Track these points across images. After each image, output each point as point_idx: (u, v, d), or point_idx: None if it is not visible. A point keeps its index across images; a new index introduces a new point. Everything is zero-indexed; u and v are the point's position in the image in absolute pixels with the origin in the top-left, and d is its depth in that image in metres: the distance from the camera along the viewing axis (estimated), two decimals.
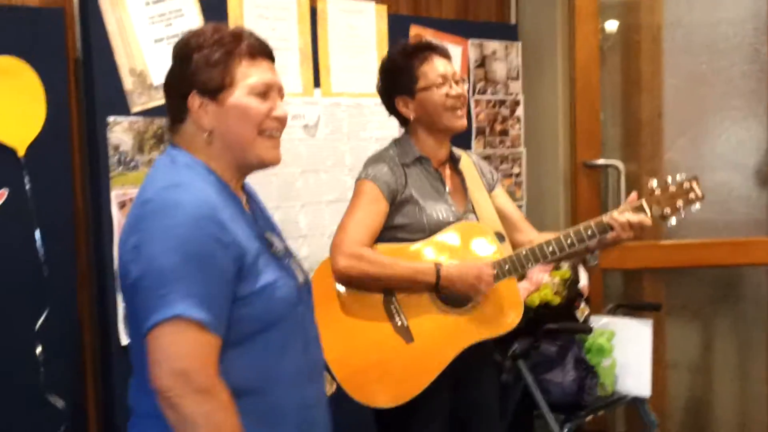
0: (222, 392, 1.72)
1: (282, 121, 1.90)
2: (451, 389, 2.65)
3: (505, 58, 3.95)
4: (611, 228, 2.60)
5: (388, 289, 2.58)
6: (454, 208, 2.66)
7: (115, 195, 2.81)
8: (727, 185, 4.05)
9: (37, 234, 2.71)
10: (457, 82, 2.66)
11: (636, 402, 3.71)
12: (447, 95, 2.62)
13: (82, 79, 2.85)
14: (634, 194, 2.66)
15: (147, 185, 1.83)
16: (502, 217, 2.78)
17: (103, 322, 2.85)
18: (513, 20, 4.10)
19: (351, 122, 3.39)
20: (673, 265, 4.03)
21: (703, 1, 4.08)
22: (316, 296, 2.47)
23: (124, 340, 2.79)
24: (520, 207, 3.97)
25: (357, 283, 2.54)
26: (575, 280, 3.47)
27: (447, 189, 2.69)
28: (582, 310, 3.56)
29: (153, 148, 2.87)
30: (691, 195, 2.63)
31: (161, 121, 2.87)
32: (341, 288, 2.59)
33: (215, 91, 1.84)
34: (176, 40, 2.85)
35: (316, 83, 3.29)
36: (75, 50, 2.86)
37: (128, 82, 2.83)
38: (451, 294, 2.57)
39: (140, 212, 1.76)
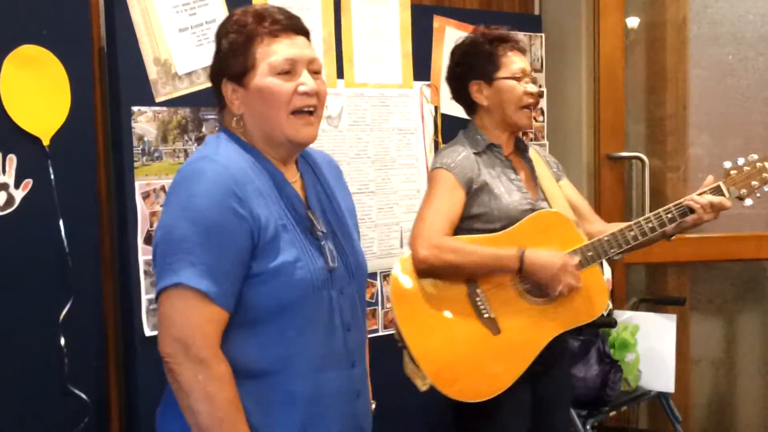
0: (220, 364, 1.74)
1: (312, 95, 1.87)
2: (530, 380, 2.61)
3: (529, 49, 3.90)
4: (691, 210, 2.59)
5: (473, 281, 2.55)
6: (528, 196, 2.64)
7: (139, 185, 2.79)
8: None
9: (61, 224, 2.69)
10: (533, 81, 2.65)
11: (659, 397, 3.69)
12: (525, 92, 2.61)
13: (107, 69, 2.83)
14: (710, 177, 2.66)
15: (189, 158, 1.90)
16: (572, 207, 2.76)
17: (127, 312, 2.83)
18: (537, 11, 4.07)
19: (374, 113, 3.36)
20: (698, 259, 3.99)
21: None
22: (399, 293, 2.52)
23: (148, 331, 2.78)
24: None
25: (439, 272, 2.51)
26: None
27: (518, 177, 2.66)
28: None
29: (177, 139, 2.85)
30: (765, 174, 2.65)
31: (185, 111, 2.86)
32: (425, 282, 2.55)
33: (240, 75, 1.85)
34: (200, 29, 2.89)
35: (339, 74, 3.26)
36: (99, 39, 2.84)
37: (152, 72, 2.81)
38: (532, 282, 2.54)
39: (172, 182, 1.83)
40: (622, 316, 3.67)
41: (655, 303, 3.86)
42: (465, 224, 2.58)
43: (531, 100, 2.64)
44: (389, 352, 3.09)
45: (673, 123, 4.06)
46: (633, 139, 4.04)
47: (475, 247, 2.52)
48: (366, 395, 2.02)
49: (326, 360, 1.88)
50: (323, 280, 1.87)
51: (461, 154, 2.60)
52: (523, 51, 2.69)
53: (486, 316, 2.54)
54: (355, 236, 2.05)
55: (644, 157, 3.86)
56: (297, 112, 1.86)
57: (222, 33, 1.89)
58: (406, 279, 2.55)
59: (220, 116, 1.96)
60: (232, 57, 1.85)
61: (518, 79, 2.62)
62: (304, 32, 1.91)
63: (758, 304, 4.15)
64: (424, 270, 2.52)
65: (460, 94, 2.72)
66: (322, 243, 1.90)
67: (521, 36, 2.74)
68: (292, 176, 1.94)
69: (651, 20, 4.09)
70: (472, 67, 2.67)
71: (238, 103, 1.87)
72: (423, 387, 2.51)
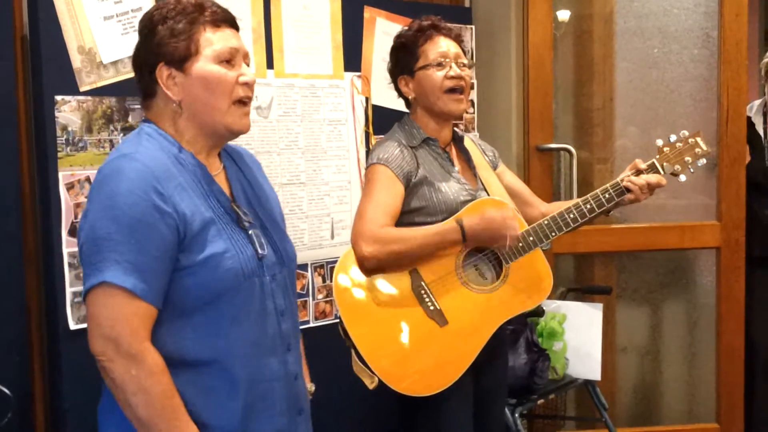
0: (151, 357, 1.77)
1: (251, 87, 1.93)
2: (474, 371, 2.60)
3: None
4: (628, 190, 2.62)
5: (416, 273, 2.54)
6: (468, 186, 2.64)
7: (63, 176, 2.74)
8: None
9: None
10: (461, 65, 2.62)
11: (586, 385, 3.75)
12: (445, 76, 2.59)
13: (30, 57, 2.77)
14: (638, 160, 2.68)
15: (108, 156, 1.88)
16: (512, 193, 2.78)
17: (51, 305, 2.78)
18: (467, 3, 4.09)
19: (304, 104, 3.34)
20: (624, 249, 4.07)
21: None
22: (344, 291, 2.53)
23: (72, 324, 2.74)
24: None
25: (386, 265, 2.49)
26: None
27: (456, 168, 2.66)
28: None
29: (102, 129, 2.81)
30: (697, 150, 2.69)
31: (111, 101, 2.81)
32: (369, 278, 2.53)
33: (181, 60, 1.86)
34: (126, 17, 2.84)
35: (270, 64, 3.24)
36: (22, 27, 2.78)
37: (77, 61, 2.76)
38: (479, 245, 2.56)
39: (94, 181, 1.83)
40: (550, 305, 3.72)
41: (582, 292, 3.92)
42: (405, 218, 2.56)
43: (451, 84, 2.60)
44: (321, 344, 3.08)
45: (600, 115, 4.12)
46: (561, 130, 4.09)
47: (414, 231, 2.51)
48: (303, 378, 2.07)
49: (262, 346, 1.92)
50: (253, 267, 1.90)
51: (397, 148, 2.58)
52: (448, 34, 2.65)
53: (432, 308, 2.53)
54: (282, 225, 2.09)
55: (572, 148, 3.91)
56: (237, 102, 1.90)
57: (157, 20, 1.88)
58: (349, 276, 2.54)
59: (145, 105, 1.95)
60: (173, 41, 1.86)
61: (439, 65, 2.60)
62: (237, 28, 1.97)
63: (682, 292, 4.23)
64: (372, 266, 2.48)
65: (396, 90, 2.73)
66: (250, 232, 1.94)
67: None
68: (215, 169, 1.97)
69: (579, 13, 4.15)
70: (397, 63, 2.69)
71: (176, 89, 1.88)
72: (371, 385, 2.50)
